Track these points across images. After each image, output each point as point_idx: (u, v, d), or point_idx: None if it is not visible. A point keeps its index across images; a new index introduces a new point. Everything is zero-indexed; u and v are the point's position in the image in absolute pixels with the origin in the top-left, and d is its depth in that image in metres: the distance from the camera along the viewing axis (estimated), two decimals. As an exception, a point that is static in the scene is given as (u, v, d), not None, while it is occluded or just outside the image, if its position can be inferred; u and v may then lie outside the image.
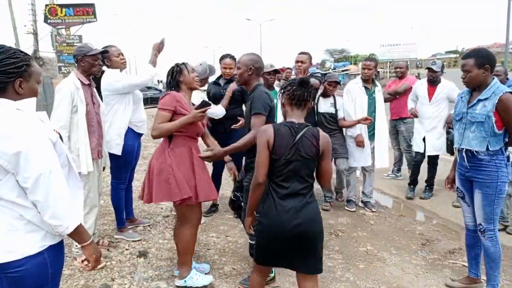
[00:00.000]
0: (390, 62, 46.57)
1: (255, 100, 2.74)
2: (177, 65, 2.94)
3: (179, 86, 2.91)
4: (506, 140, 2.61)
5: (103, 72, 3.65)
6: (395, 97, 5.67)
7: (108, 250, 3.48)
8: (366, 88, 4.57)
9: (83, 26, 14.51)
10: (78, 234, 1.61)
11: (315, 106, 4.59)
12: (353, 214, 4.50)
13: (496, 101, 2.52)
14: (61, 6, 14.20)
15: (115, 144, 3.53)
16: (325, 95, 4.60)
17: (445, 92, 4.69)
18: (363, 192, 4.78)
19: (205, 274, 3.04)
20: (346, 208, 4.71)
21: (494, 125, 2.55)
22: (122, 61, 3.68)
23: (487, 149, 2.59)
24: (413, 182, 5.16)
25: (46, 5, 14.16)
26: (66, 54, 14.43)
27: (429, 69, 4.80)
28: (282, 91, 2.22)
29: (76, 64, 3.27)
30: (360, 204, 4.79)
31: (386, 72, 45.05)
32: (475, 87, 2.69)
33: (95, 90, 3.34)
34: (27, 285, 1.55)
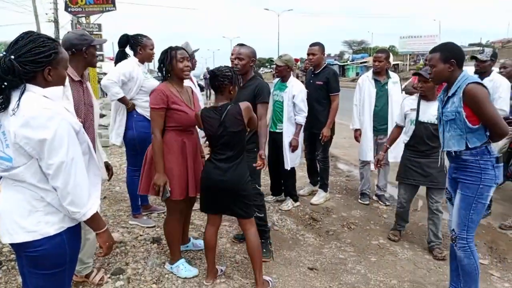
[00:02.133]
0: (410, 55, 45.86)
1: (262, 89, 3.06)
2: (168, 51, 2.73)
3: (169, 75, 2.78)
4: (488, 134, 2.38)
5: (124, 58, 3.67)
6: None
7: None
8: (376, 80, 4.49)
9: (102, 14, 14.62)
10: (94, 221, 1.67)
11: (416, 113, 3.42)
12: (367, 207, 4.48)
13: (461, 94, 2.34)
14: (82, -6, 14.35)
15: (114, 135, 3.67)
16: (425, 97, 3.41)
17: (490, 87, 3.57)
18: (377, 186, 4.74)
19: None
20: (359, 201, 4.70)
21: (466, 119, 2.35)
22: (152, 56, 3.75)
23: (467, 147, 2.40)
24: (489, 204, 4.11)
25: (67, -6, 14.31)
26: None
27: (475, 58, 4.15)
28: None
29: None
30: (374, 197, 4.75)
31: (406, 64, 44.34)
32: (441, 82, 2.57)
33: (88, 85, 2.71)
34: (46, 265, 1.61)
